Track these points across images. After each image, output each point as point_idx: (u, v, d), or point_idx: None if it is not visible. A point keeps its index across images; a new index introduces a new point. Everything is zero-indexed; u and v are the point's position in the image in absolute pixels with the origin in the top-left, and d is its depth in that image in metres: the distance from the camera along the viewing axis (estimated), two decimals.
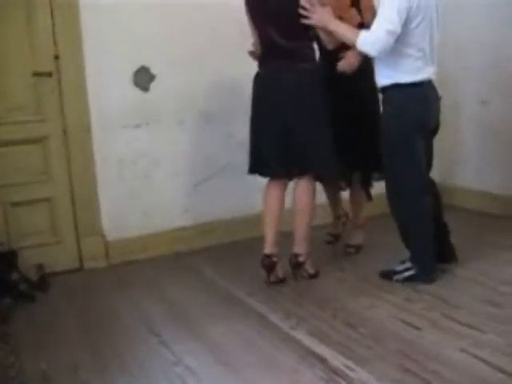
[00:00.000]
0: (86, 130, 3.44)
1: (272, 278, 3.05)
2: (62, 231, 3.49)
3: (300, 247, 3.05)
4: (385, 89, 2.89)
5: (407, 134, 2.84)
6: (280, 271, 3.07)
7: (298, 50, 2.89)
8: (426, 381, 2.07)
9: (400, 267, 3.00)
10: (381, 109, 3.04)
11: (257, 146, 3.05)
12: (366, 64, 3.16)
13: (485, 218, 3.97)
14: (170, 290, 3.13)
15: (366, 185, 3.46)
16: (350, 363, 2.21)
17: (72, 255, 3.51)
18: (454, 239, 3.15)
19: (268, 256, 3.02)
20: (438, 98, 2.96)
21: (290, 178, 3.06)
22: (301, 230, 3.04)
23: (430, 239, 2.93)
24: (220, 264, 3.46)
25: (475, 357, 2.22)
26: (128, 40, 3.43)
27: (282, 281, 3.07)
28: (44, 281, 3.21)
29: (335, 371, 2.16)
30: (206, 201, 3.75)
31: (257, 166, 3.06)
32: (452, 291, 2.86)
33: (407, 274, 2.97)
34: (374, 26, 2.74)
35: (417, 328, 2.49)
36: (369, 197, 3.50)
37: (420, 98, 2.85)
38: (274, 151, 2.97)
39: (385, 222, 3.61)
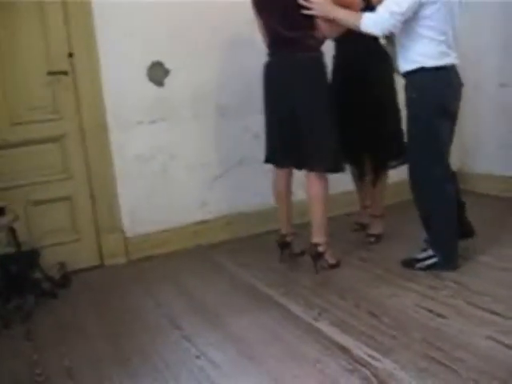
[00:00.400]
0: (103, 127, 3.45)
1: (285, 253, 3.17)
2: (83, 229, 3.51)
3: (318, 237, 3.04)
4: (409, 73, 2.84)
5: (432, 120, 2.81)
6: (295, 249, 3.18)
7: (301, 40, 2.90)
8: (452, 369, 2.04)
9: (422, 255, 2.97)
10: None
11: (268, 135, 3.12)
12: (379, 50, 3.25)
13: (505, 203, 3.91)
14: (191, 283, 3.13)
15: (382, 171, 3.46)
16: (374, 353, 2.19)
17: (92, 252, 3.53)
18: (475, 225, 3.10)
19: (281, 235, 3.17)
20: (460, 85, 2.91)
21: (297, 168, 3.11)
22: (316, 219, 3.04)
23: (454, 226, 2.90)
24: (240, 257, 3.45)
25: (501, 344, 2.19)
26: (141, 35, 3.43)
27: (296, 255, 3.17)
28: (66, 278, 3.24)
29: (359, 361, 2.14)
30: (224, 194, 3.75)
31: (270, 155, 3.14)
32: (475, 278, 2.82)
33: (430, 261, 2.94)
34: (381, 7, 2.74)
35: (441, 316, 2.46)
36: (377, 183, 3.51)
37: (445, 83, 2.82)
38: (280, 141, 3.04)
39: (403, 210, 3.64)
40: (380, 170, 3.45)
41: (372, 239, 3.51)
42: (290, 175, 3.18)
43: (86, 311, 2.91)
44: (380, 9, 2.73)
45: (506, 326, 2.32)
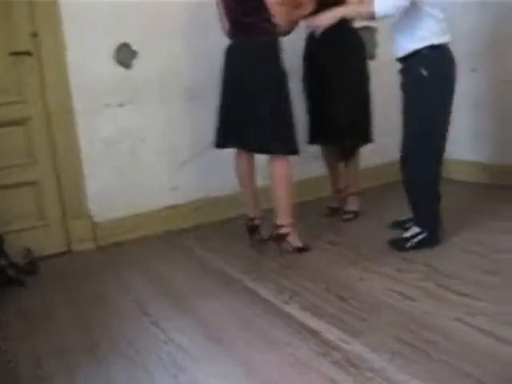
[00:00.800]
0: (69, 109, 3.36)
1: (254, 239, 3.16)
2: (49, 214, 3.43)
3: (280, 218, 3.03)
4: (417, 52, 2.82)
5: (446, 96, 2.88)
6: (264, 234, 3.17)
7: (256, 24, 2.90)
8: (423, 351, 2.04)
9: (408, 234, 3.00)
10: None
11: (220, 119, 3.12)
12: (354, 38, 3.39)
13: (476, 188, 3.94)
14: (161, 269, 3.08)
15: (352, 153, 3.53)
16: (344, 336, 2.18)
17: (60, 238, 3.45)
18: (447, 210, 3.12)
19: (249, 219, 3.16)
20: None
21: (257, 152, 3.11)
22: (278, 201, 3.03)
23: (437, 204, 3.00)
24: (210, 242, 3.41)
25: (470, 325, 2.20)
26: (109, 16, 3.33)
27: (265, 241, 3.14)
28: (32, 265, 3.16)
29: (330, 344, 2.13)
30: (194, 179, 3.70)
31: (220, 139, 3.14)
32: (445, 261, 2.84)
33: (418, 238, 2.97)
34: None
35: (411, 298, 2.46)
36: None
37: (451, 60, 2.88)
38: (232, 126, 3.05)
39: (372, 195, 3.67)
40: (351, 151, 3.50)
41: (350, 216, 3.56)
42: (251, 158, 3.17)
43: (54, 298, 2.84)
44: None
45: (474, 308, 2.33)
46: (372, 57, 4.00)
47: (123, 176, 3.52)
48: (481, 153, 4.12)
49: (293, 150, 3.00)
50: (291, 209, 3.05)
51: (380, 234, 3.26)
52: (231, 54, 3.02)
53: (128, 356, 2.20)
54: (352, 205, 3.60)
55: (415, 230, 2.99)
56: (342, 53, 3.33)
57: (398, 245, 3.00)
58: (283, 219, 3.03)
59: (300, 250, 3.07)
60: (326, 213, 3.69)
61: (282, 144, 2.97)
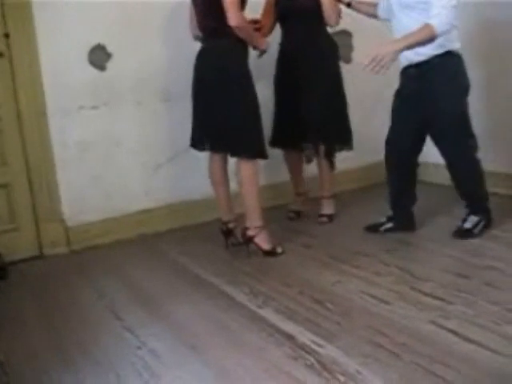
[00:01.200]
0: (42, 112, 3.30)
1: (229, 243, 3.17)
2: (20, 217, 3.36)
3: (248, 221, 3.05)
4: (435, 58, 2.88)
5: (464, 100, 2.99)
6: (239, 237, 3.17)
7: (219, 27, 2.87)
8: (396, 354, 2.04)
9: (469, 224, 3.14)
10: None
11: (192, 121, 3.15)
12: (328, 42, 3.46)
13: (451, 191, 3.96)
14: (135, 273, 3.04)
15: (329, 156, 3.52)
16: (318, 339, 2.17)
17: (31, 242, 3.39)
18: (422, 212, 3.14)
19: (223, 222, 3.16)
20: None
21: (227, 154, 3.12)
22: (246, 204, 3.04)
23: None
24: (185, 246, 3.38)
25: (444, 328, 2.20)
26: (82, 17, 3.29)
27: (240, 244, 3.13)
28: (2, 270, 3.10)
29: (303, 348, 2.12)
30: (168, 182, 3.67)
31: (193, 140, 3.16)
32: (420, 264, 2.85)
33: (481, 225, 3.14)
34: (437, 5, 2.71)
35: (385, 302, 2.46)
36: (332, 167, 3.58)
37: (465, 66, 2.97)
38: (202, 129, 3.09)
39: (344, 199, 3.70)
40: (327, 154, 3.50)
41: (324, 219, 3.57)
42: (224, 161, 3.16)
43: (24, 304, 2.79)
44: (439, 8, 2.70)
45: (448, 311, 2.34)
46: (348, 60, 4.02)
47: (97, 179, 3.47)
48: None
49: (259, 153, 3.01)
50: (259, 211, 3.04)
51: (355, 237, 3.28)
52: (199, 58, 3.03)
53: (99, 361, 2.16)
54: (327, 208, 3.61)
55: (474, 219, 3.13)
56: (316, 56, 3.37)
57: (466, 235, 3.10)
58: (251, 221, 3.04)
59: (267, 253, 3.06)
60: (290, 216, 3.71)
61: (248, 147, 2.98)
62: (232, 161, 3.11)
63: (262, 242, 3.06)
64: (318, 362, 2.02)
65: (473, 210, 3.15)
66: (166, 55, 3.55)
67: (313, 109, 3.37)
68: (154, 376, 2.03)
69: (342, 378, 1.91)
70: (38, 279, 3.09)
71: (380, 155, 4.35)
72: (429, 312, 2.34)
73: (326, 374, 1.94)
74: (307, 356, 2.06)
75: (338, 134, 3.49)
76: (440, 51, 2.86)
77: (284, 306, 2.48)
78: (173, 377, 2.02)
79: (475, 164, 3.08)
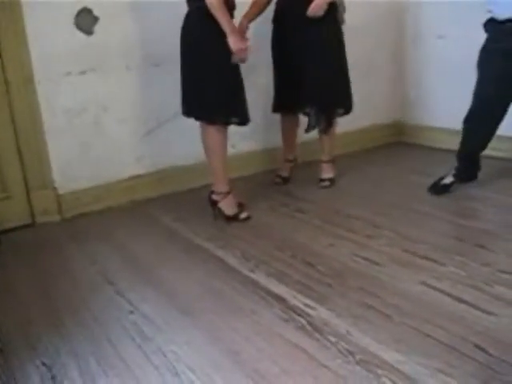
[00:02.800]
0: (29, 79, 3.24)
1: (216, 211, 3.15)
2: (11, 186, 3.32)
3: (214, 185, 3.10)
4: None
5: None
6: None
7: None
8: (387, 315, 2.05)
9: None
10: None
11: (182, 87, 3.11)
12: (329, 9, 3.30)
13: (442, 154, 3.95)
14: (126, 239, 3.03)
15: (331, 120, 3.49)
16: (309, 302, 2.18)
17: (23, 210, 3.36)
18: (414, 176, 3.13)
19: (210, 192, 3.15)
20: None
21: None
22: (212, 169, 3.09)
23: None
24: (177, 211, 3.37)
25: (435, 289, 2.21)
26: None
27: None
28: None
29: (295, 310, 2.13)
30: (159, 148, 3.63)
31: (184, 107, 3.13)
32: (412, 227, 2.85)
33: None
34: None
35: (377, 264, 2.47)
36: (333, 131, 3.57)
37: None
38: (189, 93, 3.05)
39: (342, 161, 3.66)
40: (329, 118, 3.46)
41: (326, 183, 3.57)
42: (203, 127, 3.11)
43: (16, 271, 2.78)
44: None
45: (439, 272, 2.34)
46: (342, 22, 3.95)
47: (87, 146, 3.43)
48: (449, 119, 4.12)
49: (218, 119, 2.98)
50: (223, 177, 3.07)
51: (349, 201, 3.28)
52: (184, 22, 2.99)
53: (91, 327, 2.16)
54: (328, 172, 3.59)
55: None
56: (317, 24, 3.26)
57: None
58: (216, 186, 3.09)
59: (229, 218, 3.09)
60: (276, 181, 3.71)
61: (206, 111, 2.98)
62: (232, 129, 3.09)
63: (226, 207, 3.10)
64: (309, 323, 2.03)
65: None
66: (154, 19, 3.47)
67: (315, 72, 3.31)
68: (146, 340, 2.03)
69: (332, 339, 1.92)
70: (31, 247, 3.08)
71: (374, 119, 4.35)
72: (420, 273, 2.35)
73: (317, 335, 1.95)
74: (298, 318, 2.07)
75: (341, 98, 3.44)
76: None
77: (276, 270, 2.49)
78: (165, 340, 2.02)
79: None
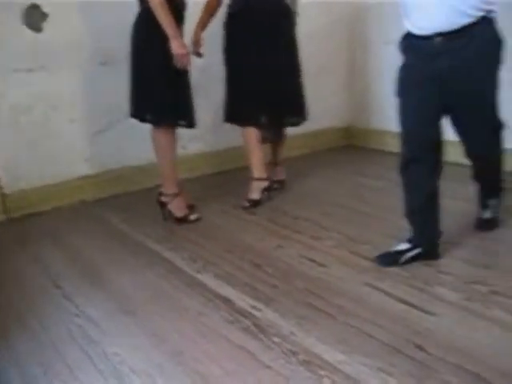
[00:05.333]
0: None
1: (165, 212, 3.14)
2: None
3: (163, 187, 3.11)
4: (475, 24, 2.22)
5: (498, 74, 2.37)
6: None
7: None
8: (331, 315, 2.09)
9: (492, 212, 2.81)
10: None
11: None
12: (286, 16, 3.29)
13: (392, 157, 4.03)
14: (75, 241, 2.99)
15: (282, 127, 3.52)
16: (255, 303, 2.20)
17: None
18: (364, 179, 3.19)
19: (159, 194, 3.15)
20: None
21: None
22: (160, 170, 3.10)
23: None
24: (127, 212, 3.35)
25: (378, 289, 2.27)
26: None
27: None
28: None
29: (241, 312, 2.14)
30: (110, 148, 3.60)
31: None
32: (358, 228, 2.90)
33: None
34: None
35: (323, 265, 2.51)
36: (285, 135, 3.59)
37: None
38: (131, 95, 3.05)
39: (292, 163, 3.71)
40: (281, 126, 3.48)
41: (279, 185, 3.57)
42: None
43: None
44: None
45: (383, 273, 2.40)
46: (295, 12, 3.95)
47: (35, 145, 3.37)
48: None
49: (164, 119, 2.99)
50: (172, 179, 3.09)
51: (297, 203, 3.32)
52: (133, 22, 2.96)
53: (37, 332, 2.13)
54: (280, 174, 3.61)
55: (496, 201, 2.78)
56: (274, 17, 3.23)
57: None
58: (165, 188, 3.10)
59: (178, 220, 3.10)
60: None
61: (153, 112, 2.97)
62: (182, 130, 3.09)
63: (175, 208, 3.11)
64: (255, 324, 2.05)
65: (496, 194, 2.78)
66: (104, 17, 3.42)
67: (273, 80, 3.24)
68: (91, 343, 2.02)
69: (276, 340, 1.94)
70: None
71: (325, 122, 4.39)
72: (365, 274, 2.40)
73: (261, 336, 1.98)
74: (244, 320, 2.09)
75: (299, 108, 3.42)
76: (476, 15, 2.22)
77: (223, 271, 2.50)
78: (110, 343, 2.01)
79: (502, 151, 2.60)
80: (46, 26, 3.30)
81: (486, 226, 2.79)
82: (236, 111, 3.32)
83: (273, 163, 3.58)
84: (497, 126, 2.50)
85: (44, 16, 3.27)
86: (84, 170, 3.54)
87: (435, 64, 2.28)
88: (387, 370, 1.76)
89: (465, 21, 2.20)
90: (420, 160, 2.39)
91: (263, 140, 3.37)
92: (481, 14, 2.22)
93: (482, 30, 2.24)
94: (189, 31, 3.11)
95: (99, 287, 2.46)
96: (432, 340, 1.91)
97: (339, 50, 4.55)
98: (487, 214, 2.80)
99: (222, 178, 3.78)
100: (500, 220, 2.81)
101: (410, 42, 2.36)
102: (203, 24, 3.28)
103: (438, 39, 2.25)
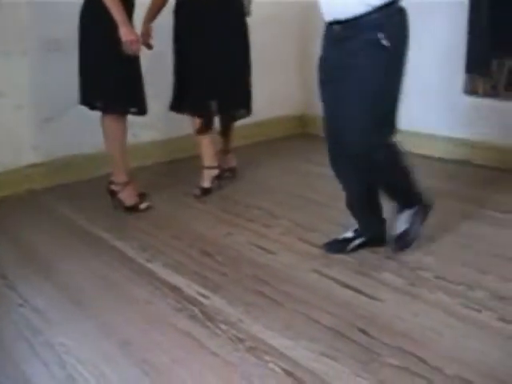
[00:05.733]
0: None
1: (115, 201, 3.11)
2: None
3: (113, 175, 3.09)
4: (370, 13, 2.11)
5: (403, 71, 2.24)
6: None
7: None
8: (278, 302, 2.11)
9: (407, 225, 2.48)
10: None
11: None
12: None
13: None
14: (22, 230, 2.94)
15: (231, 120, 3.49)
16: (204, 291, 2.21)
17: None
18: (314, 167, 3.21)
19: (109, 182, 3.12)
20: None
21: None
22: (110, 158, 3.07)
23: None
24: (76, 201, 3.29)
25: (326, 276, 2.30)
26: None
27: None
28: None
29: (188, 300, 2.15)
30: (58, 136, 3.52)
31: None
32: (307, 216, 2.93)
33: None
34: None
35: (272, 253, 2.53)
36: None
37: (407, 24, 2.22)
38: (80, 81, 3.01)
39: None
40: (229, 119, 3.46)
41: (230, 174, 3.56)
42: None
43: None
44: None
45: (331, 259, 2.43)
46: (248, 13, 3.96)
47: None
48: None
49: (112, 107, 2.96)
50: (122, 168, 3.06)
51: (248, 191, 3.32)
52: (81, 9, 2.90)
53: None
54: (231, 162, 3.59)
55: (411, 212, 2.47)
56: (222, 11, 3.19)
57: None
58: (115, 176, 3.08)
59: (128, 209, 3.09)
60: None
61: (102, 99, 2.95)
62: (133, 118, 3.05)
63: (125, 197, 3.08)
64: (202, 312, 2.06)
65: (407, 204, 2.48)
66: (53, 1, 3.34)
67: (218, 69, 3.20)
68: (35, 333, 1.99)
69: (223, 327, 1.96)
70: None
71: (279, 110, 4.39)
72: (313, 261, 2.43)
73: (208, 323, 1.99)
74: (192, 307, 2.10)
75: (246, 100, 3.38)
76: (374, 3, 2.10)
77: (173, 260, 2.50)
78: (55, 332, 1.99)
79: (397, 151, 2.36)
80: None
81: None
82: (184, 100, 3.28)
83: (223, 151, 3.56)
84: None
85: None
86: (32, 158, 3.46)
87: (335, 52, 2.24)
88: (330, 354, 1.80)
89: (361, 10, 2.10)
90: (342, 155, 2.32)
91: (212, 128, 3.35)
92: (381, 2, 2.09)
93: (376, 20, 2.11)
94: (139, 18, 3.07)
95: (46, 276, 2.43)
96: (376, 324, 1.96)
97: (292, 37, 4.56)
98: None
99: (174, 167, 3.76)
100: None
101: (324, 29, 2.30)
102: (152, 15, 3.22)
103: (337, 27, 2.20)
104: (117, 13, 2.73)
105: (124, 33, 2.76)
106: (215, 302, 2.12)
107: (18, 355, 1.87)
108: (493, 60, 3.47)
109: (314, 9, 4.33)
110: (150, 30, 3.22)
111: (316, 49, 4.23)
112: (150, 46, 3.22)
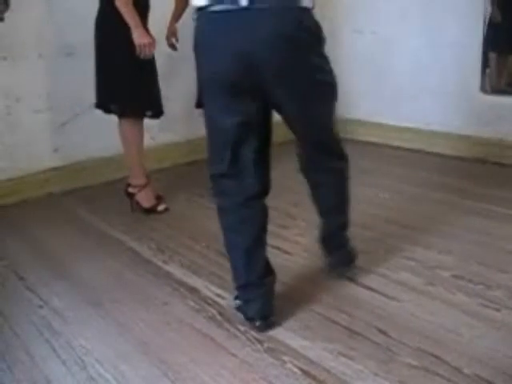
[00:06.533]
0: None
1: (133, 204, 3.13)
2: None
3: (131, 178, 3.12)
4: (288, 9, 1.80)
5: None
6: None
7: None
8: (296, 303, 2.11)
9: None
10: None
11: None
12: None
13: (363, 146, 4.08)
14: (41, 233, 2.97)
15: None
16: (221, 292, 2.22)
17: None
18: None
19: (127, 185, 3.15)
20: None
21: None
22: (127, 161, 3.10)
23: None
24: (94, 204, 3.33)
25: (344, 277, 2.28)
26: None
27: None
28: None
29: (206, 301, 2.16)
30: (76, 139, 3.56)
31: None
32: None
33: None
34: None
35: (289, 253, 2.53)
36: None
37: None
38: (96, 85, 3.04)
39: None
40: None
41: None
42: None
43: None
44: None
45: None
46: None
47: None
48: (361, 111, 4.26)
49: (129, 111, 2.98)
50: (139, 170, 3.08)
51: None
52: (97, 13, 2.94)
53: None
54: None
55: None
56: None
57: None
58: (132, 179, 3.10)
59: (146, 210, 3.10)
60: None
61: (118, 103, 2.97)
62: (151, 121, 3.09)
63: (142, 199, 3.10)
64: (220, 313, 2.06)
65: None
66: (69, 7, 3.38)
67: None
68: (54, 334, 2.01)
69: (242, 328, 1.96)
70: None
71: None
72: None
73: (226, 324, 1.99)
74: (209, 308, 2.10)
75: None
76: None
77: (190, 261, 2.51)
78: (74, 334, 2.00)
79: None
80: (9, 15, 3.24)
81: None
82: None
83: None
84: None
85: (6, 6, 3.21)
86: (51, 162, 3.50)
87: None
88: (349, 354, 1.79)
89: None
90: None
91: None
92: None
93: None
94: (156, 21, 3.09)
95: (64, 277, 2.45)
96: (394, 324, 1.95)
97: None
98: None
99: (192, 169, 3.78)
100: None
101: None
102: (176, 16, 3.22)
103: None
104: (129, 17, 2.76)
105: (137, 36, 2.78)
106: (232, 303, 2.12)
107: (39, 356, 1.89)
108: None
109: (326, 9, 4.36)
110: (176, 30, 3.23)
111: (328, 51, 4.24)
112: (174, 47, 3.23)
